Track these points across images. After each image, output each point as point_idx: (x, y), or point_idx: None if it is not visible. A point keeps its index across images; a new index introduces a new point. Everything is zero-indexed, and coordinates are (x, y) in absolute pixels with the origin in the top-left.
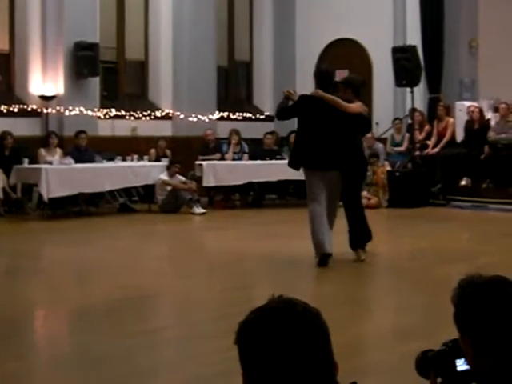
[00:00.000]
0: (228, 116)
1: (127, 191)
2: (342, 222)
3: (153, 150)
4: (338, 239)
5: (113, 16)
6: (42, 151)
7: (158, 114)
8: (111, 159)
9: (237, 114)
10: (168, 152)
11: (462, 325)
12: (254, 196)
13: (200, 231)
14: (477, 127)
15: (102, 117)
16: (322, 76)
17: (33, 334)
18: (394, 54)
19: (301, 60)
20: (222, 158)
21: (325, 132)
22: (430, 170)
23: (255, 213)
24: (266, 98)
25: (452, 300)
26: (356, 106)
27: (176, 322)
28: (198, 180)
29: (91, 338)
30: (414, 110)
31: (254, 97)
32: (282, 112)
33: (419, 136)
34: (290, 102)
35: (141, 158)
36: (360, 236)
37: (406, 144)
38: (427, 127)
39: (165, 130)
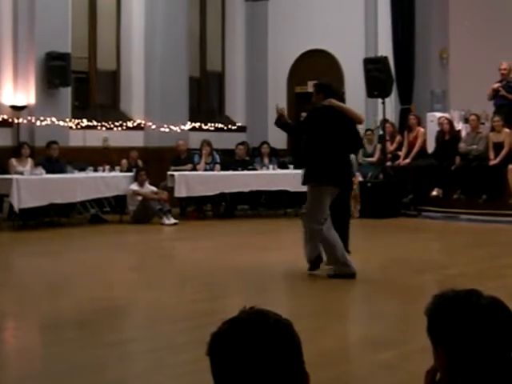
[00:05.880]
0: (200, 126)
1: (99, 202)
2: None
3: (124, 161)
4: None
5: (85, 26)
6: (13, 161)
7: (129, 124)
8: (83, 170)
9: (209, 124)
10: (140, 162)
11: (434, 336)
12: (225, 207)
13: (171, 242)
14: (447, 138)
15: (74, 127)
16: (329, 88)
17: (2, 345)
18: (365, 65)
19: (273, 70)
20: (194, 169)
21: (337, 145)
22: (401, 181)
23: (227, 223)
24: (237, 109)
25: (425, 312)
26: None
27: (147, 333)
28: (170, 190)
29: (61, 349)
30: (385, 120)
31: (226, 107)
32: (294, 129)
33: (390, 147)
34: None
35: (112, 169)
36: None
37: (377, 155)
38: (398, 138)
39: (136, 140)
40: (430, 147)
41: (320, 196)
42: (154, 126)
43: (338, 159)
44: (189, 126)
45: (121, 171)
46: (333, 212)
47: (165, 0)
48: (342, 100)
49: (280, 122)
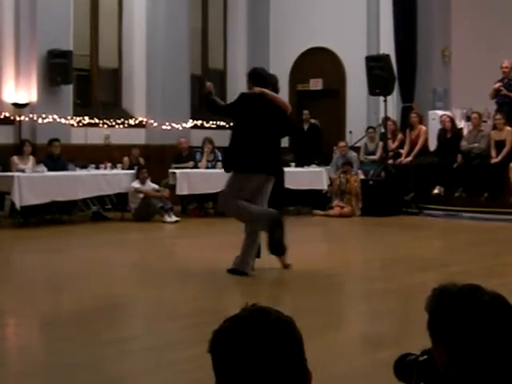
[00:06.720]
0: (201, 124)
1: (100, 199)
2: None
3: (126, 158)
4: (306, 249)
5: (86, 23)
6: (15, 159)
7: (131, 122)
8: (84, 167)
9: (210, 122)
10: (141, 160)
11: (435, 332)
12: None
13: (173, 240)
14: (449, 136)
15: (76, 125)
16: (259, 76)
17: (3, 342)
18: (367, 63)
19: (275, 68)
20: (196, 167)
21: (266, 133)
22: (403, 179)
23: (229, 221)
24: None
25: (426, 307)
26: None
27: (148, 330)
28: (172, 188)
29: (62, 346)
30: (387, 118)
31: None
32: (219, 109)
33: (392, 145)
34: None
35: (114, 166)
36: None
37: (379, 153)
38: (400, 136)
39: (138, 138)
40: (432, 145)
41: (240, 182)
42: (155, 124)
43: (266, 147)
44: (190, 123)
45: (122, 169)
46: (269, 203)
47: None
48: (275, 89)
49: (207, 98)
